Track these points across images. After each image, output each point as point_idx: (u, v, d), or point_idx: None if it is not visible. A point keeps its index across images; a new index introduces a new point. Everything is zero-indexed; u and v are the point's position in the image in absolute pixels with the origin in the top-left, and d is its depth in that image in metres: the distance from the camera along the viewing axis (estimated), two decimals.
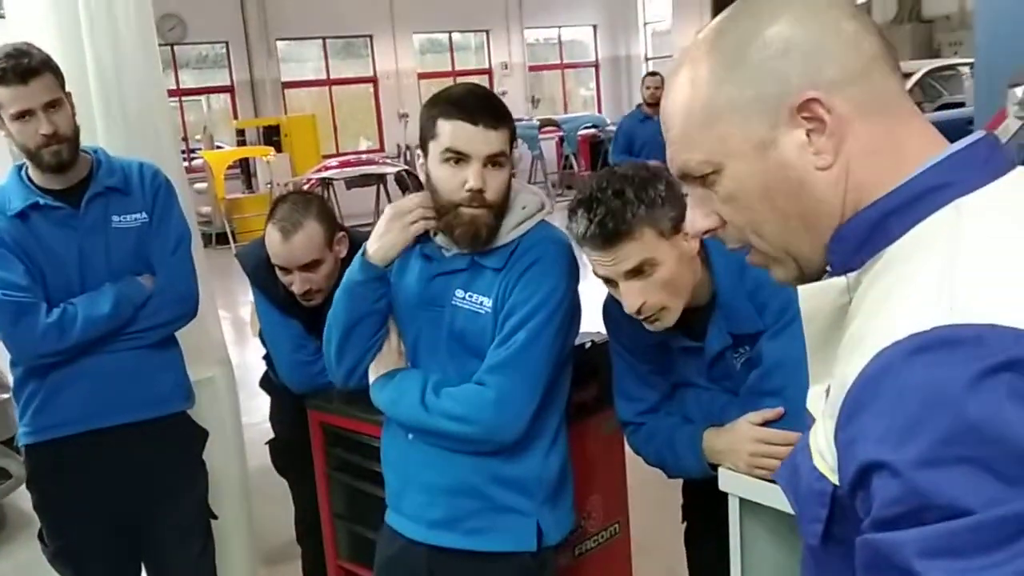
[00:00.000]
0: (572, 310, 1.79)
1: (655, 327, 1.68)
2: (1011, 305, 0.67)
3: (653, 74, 7.53)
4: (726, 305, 1.69)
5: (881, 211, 0.79)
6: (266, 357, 2.62)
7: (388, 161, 12.60)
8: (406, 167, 11.39)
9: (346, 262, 2.34)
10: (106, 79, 2.65)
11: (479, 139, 1.67)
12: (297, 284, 2.31)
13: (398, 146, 14.30)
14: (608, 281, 1.67)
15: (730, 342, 1.70)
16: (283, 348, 2.42)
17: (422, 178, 1.79)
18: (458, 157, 1.69)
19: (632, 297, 1.63)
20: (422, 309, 1.83)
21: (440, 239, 1.81)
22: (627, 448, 1.98)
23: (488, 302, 1.76)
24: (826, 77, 0.79)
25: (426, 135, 1.73)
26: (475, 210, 1.70)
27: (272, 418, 2.80)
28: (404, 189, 11.18)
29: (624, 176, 1.62)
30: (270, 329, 2.47)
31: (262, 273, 2.40)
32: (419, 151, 1.78)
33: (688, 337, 1.75)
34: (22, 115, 2.09)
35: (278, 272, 2.34)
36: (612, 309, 1.76)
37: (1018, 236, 0.72)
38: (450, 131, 1.68)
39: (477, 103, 1.70)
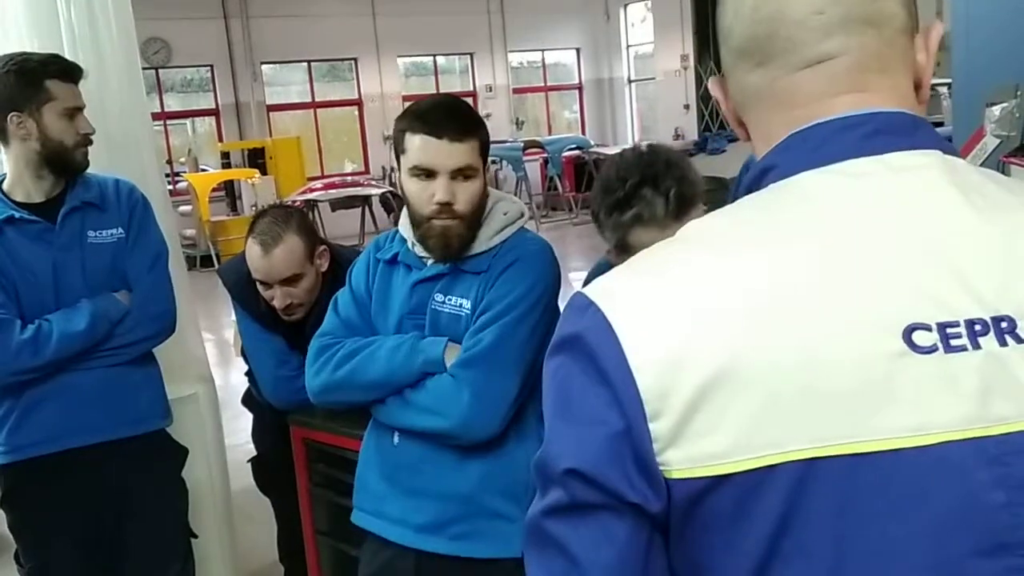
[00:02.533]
0: (551, 311, 1.79)
1: None
2: (634, 294, 0.73)
3: None
4: None
5: (745, 188, 0.83)
6: (248, 374, 2.61)
7: (373, 183, 12.61)
8: (391, 188, 11.40)
9: (327, 276, 2.35)
10: (89, 102, 2.61)
11: (444, 153, 1.69)
12: (278, 298, 2.30)
13: (383, 168, 14.29)
14: None
15: None
16: (265, 364, 2.41)
17: (400, 191, 1.81)
18: (426, 172, 1.71)
19: None
20: (408, 318, 1.83)
21: (418, 249, 1.82)
22: None
23: (467, 304, 1.77)
24: (728, 63, 0.84)
25: (397, 150, 1.76)
26: (446, 221, 1.72)
27: (254, 435, 2.79)
28: (389, 211, 11.19)
29: (658, 151, 1.73)
30: (252, 345, 2.46)
31: (243, 288, 2.39)
32: (395, 164, 1.81)
33: None
34: (74, 111, 2.18)
35: (259, 287, 2.33)
36: None
37: (742, 240, 0.74)
38: (416, 146, 1.71)
39: (442, 116, 1.72)
